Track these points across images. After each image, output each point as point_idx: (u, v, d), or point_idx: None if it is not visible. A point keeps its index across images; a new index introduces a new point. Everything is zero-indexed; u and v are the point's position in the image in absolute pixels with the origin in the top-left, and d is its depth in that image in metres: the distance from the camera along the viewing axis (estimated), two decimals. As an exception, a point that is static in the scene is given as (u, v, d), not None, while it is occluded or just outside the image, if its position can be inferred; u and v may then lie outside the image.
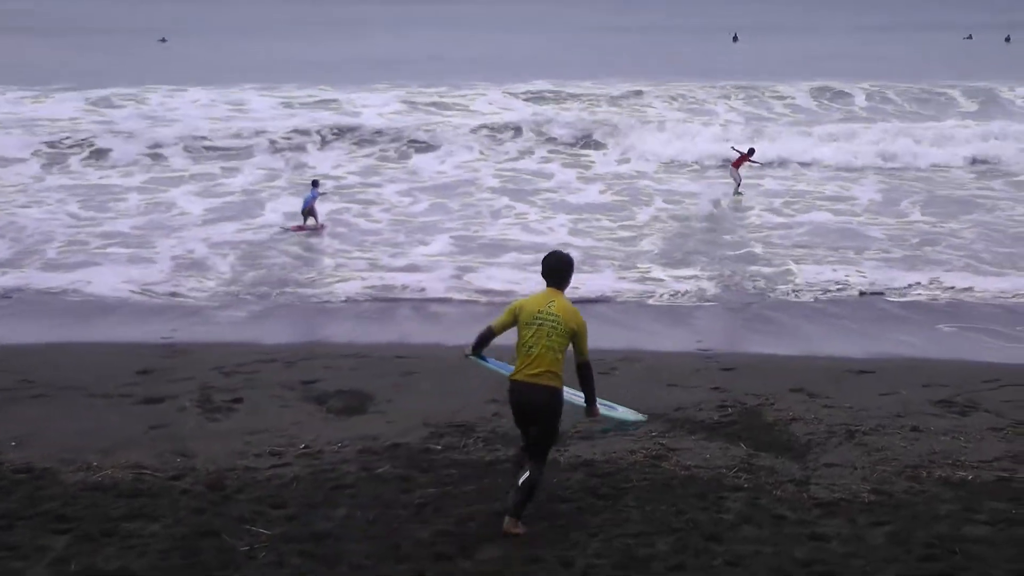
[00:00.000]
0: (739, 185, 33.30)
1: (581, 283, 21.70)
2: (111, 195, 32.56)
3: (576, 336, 10.21)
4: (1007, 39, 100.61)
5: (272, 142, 40.20)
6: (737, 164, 33.35)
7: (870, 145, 40.23)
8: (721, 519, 10.64)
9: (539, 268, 10.72)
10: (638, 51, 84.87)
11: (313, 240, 27.14)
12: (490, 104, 48.35)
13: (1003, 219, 30.07)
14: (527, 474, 10.27)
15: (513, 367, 10.41)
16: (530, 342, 10.19)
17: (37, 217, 29.32)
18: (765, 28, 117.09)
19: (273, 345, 18.13)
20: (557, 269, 10.50)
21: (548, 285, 10.48)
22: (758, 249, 26.23)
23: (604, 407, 11.19)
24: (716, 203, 32.47)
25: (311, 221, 28.03)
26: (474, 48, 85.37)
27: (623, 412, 11.85)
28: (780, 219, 29.93)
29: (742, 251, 26.09)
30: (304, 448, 12.79)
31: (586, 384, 10.52)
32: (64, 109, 45.39)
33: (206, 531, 10.32)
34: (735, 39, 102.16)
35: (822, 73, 56.93)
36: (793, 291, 22.46)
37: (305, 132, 41.46)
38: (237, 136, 40.67)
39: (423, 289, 22.51)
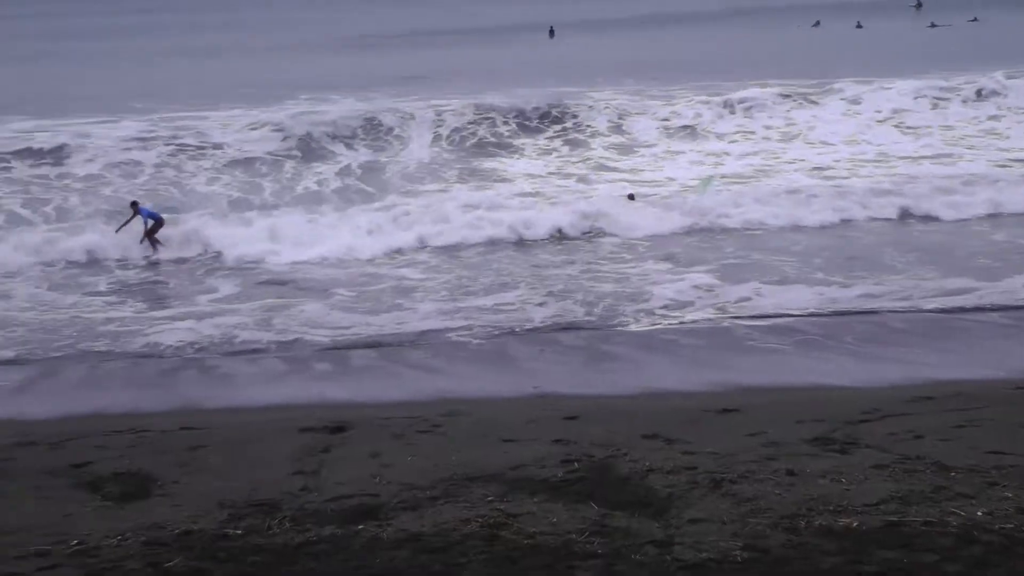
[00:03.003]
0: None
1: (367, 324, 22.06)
2: None
3: None
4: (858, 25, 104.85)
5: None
6: None
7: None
8: (574, 593, 10.68)
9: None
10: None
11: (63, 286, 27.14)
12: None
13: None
14: None
15: None
16: None
17: None
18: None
19: (32, 422, 17.64)
20: None
21: None
22: (598, 265, 26.78)
23: None
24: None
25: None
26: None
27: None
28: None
29: (572, 269, 26.61)
30: (77, 545, 12.36)
31: None
32: None
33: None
34: None
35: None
36: (635, 317, 22.87)
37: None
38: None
39: (207, 342, 22.34)
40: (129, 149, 41.99)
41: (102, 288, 28.19)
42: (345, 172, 41.00)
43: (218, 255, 30.43)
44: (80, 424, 17.43)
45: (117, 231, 30.98)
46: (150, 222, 31.22)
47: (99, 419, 17.82)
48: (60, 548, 12.23)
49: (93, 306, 26.46)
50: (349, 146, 43.58)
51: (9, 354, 22.50)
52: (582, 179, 39.78)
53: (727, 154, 42.90)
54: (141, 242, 30.85)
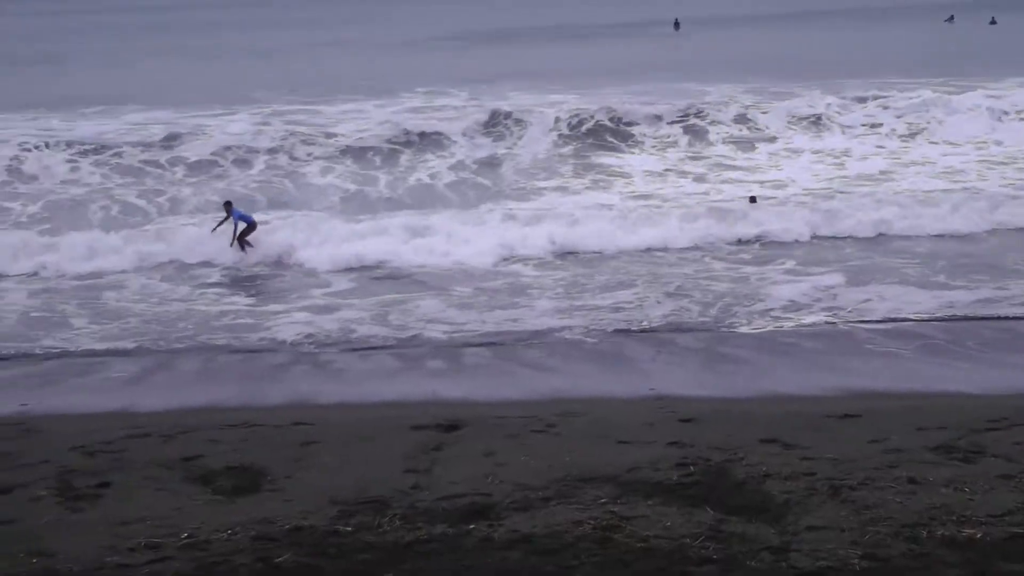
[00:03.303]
0: None
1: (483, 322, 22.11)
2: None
3: None
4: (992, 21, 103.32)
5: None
6: None
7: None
8: (687, 599, 10.63)
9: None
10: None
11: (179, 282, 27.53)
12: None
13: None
14: None
15: None
16: None
17: None
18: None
19: (146, 415, 17.93)
20: None
21: None
22: (715, 265, 26.64)
23: None
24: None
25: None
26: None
27: None
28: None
29: (689, 269, 26.51)
30: (187, 538, 12.54)
31: None
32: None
33: (72, 645, 10.13)
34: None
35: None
36: (754, 319, 22.73)
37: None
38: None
39: (323, 336, 22.58)
40: (239, 142, 42.76)
41: (215, 280, 28.62)
42: (460, 166, 41.23)
43: (329, 252, 30.43)
44: (193, 417, 17.69)
45: (213, 231, 30.90)
46: (242, 225, 30.81)
47: (212, 412, 18.08)
48: (171, 541, 12.42)
49: (206, 298, 26.86)
50: (468, 139, 43.76)
51: (123, 345, 22.88)
52: (700, 178, 39.56)
53: (848, 155, 42.41)
54: (231, 244, 30.48)
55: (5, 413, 18.27)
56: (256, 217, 31.83)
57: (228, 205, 31.41)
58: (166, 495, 13.99)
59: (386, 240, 30.87)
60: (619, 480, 13.78)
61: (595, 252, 29.93)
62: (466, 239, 30.83)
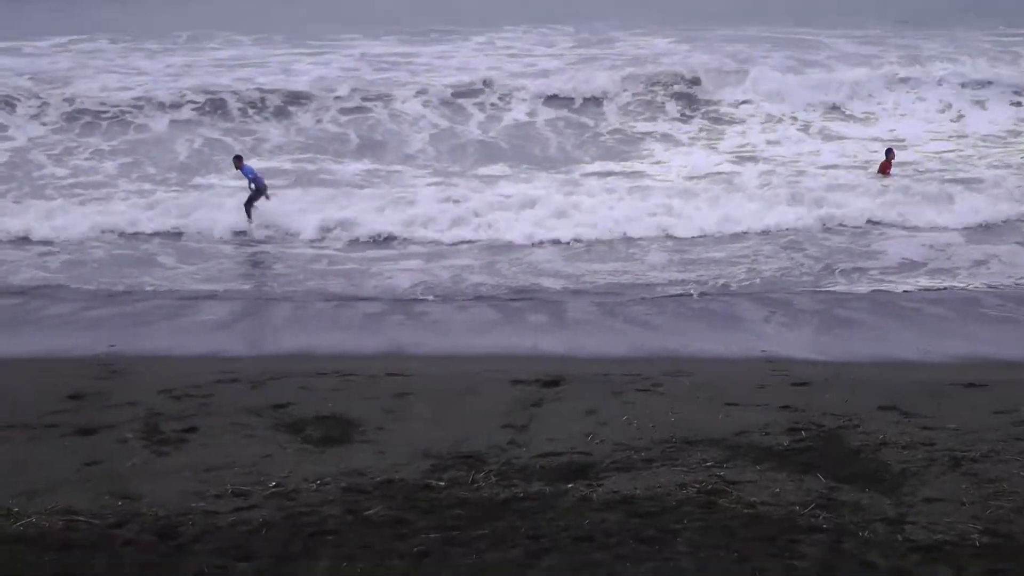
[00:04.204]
0: None
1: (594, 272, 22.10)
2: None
3: None
4: None
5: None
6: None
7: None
8: (795, 567, 10.54)
9: None
10: None
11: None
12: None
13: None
14: None
15: None
16: None
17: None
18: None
19: (234, 359, 18.17)
20: None
21: None
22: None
23: None
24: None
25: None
26: None
27: None
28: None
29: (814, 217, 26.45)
30: (275, 487, 12.71)
31: None
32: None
33: (155, 591, 10.28)
34: None
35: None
36: (874, 280, 22.53)
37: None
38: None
39: (420, 285, 22.71)
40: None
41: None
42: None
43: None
44: (283, 364, 17.86)
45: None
46: (251, 187, 28.56)
47: (304, 359, 18.25)
48: (258, 489, 12.59)
49: (301, 240, 27.16)
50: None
51: (213, 288, 23.18)
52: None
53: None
54: (251, 207, 28.41)
55: (93, 353, 18.58)
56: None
57: (238, 159, 29.42)
58: (254, 442, 14.17)
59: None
60: (726, 443, 13.74)
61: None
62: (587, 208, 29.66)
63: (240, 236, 27.84)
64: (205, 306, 21.91)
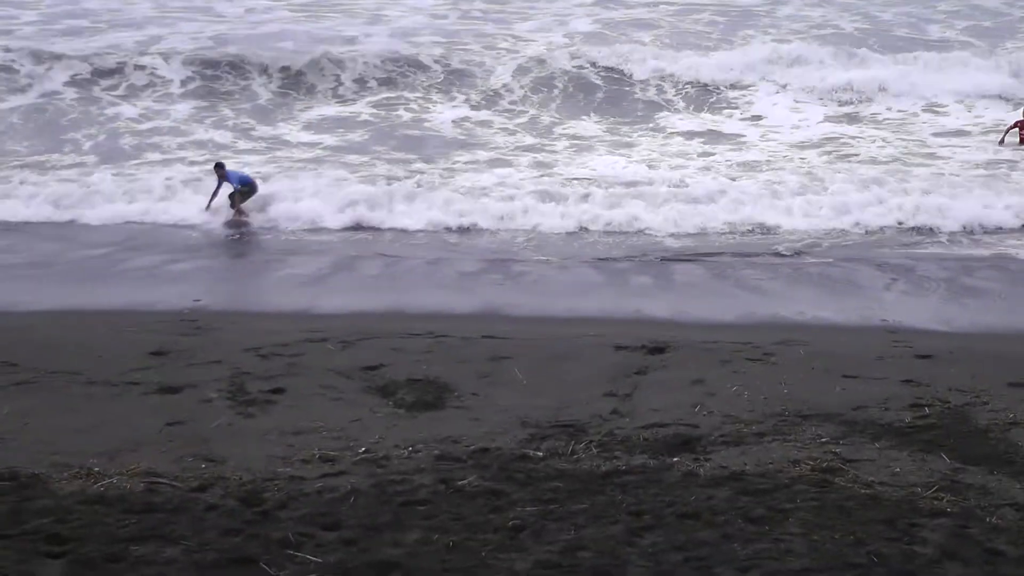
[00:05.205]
0: None
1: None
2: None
3: None
4: None
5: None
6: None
7: None
8: (915, 553, 10.44)
9: None
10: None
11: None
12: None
13: None
14: None
15: None
16: None
17: None
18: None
19: (324, 318, 18.26)
20: None
21: None
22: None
23: None
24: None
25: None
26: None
27: None
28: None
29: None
30: (365, 452, 12.75)
31: None
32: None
33: (239, 557, 10.31)
34: None
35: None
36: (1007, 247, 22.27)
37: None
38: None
39: (522, 244, 22.74)
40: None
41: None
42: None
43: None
44: (374, 323, 17.91)
45: (207, 208, 26.53)
46: (228, 188, 26.42)
47: (396, 319, 18.29)
48: (347, 454, 12.62)
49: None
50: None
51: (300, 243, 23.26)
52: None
53: None
54: (232, 207, 26.41)
55: (178, 308, 18.73)
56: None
57: (220, 168, 26.90)
58: (343, 405, 14.24)
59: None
60: (843, 418, 13.62)
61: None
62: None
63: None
64: (293, 260, 22.03)
